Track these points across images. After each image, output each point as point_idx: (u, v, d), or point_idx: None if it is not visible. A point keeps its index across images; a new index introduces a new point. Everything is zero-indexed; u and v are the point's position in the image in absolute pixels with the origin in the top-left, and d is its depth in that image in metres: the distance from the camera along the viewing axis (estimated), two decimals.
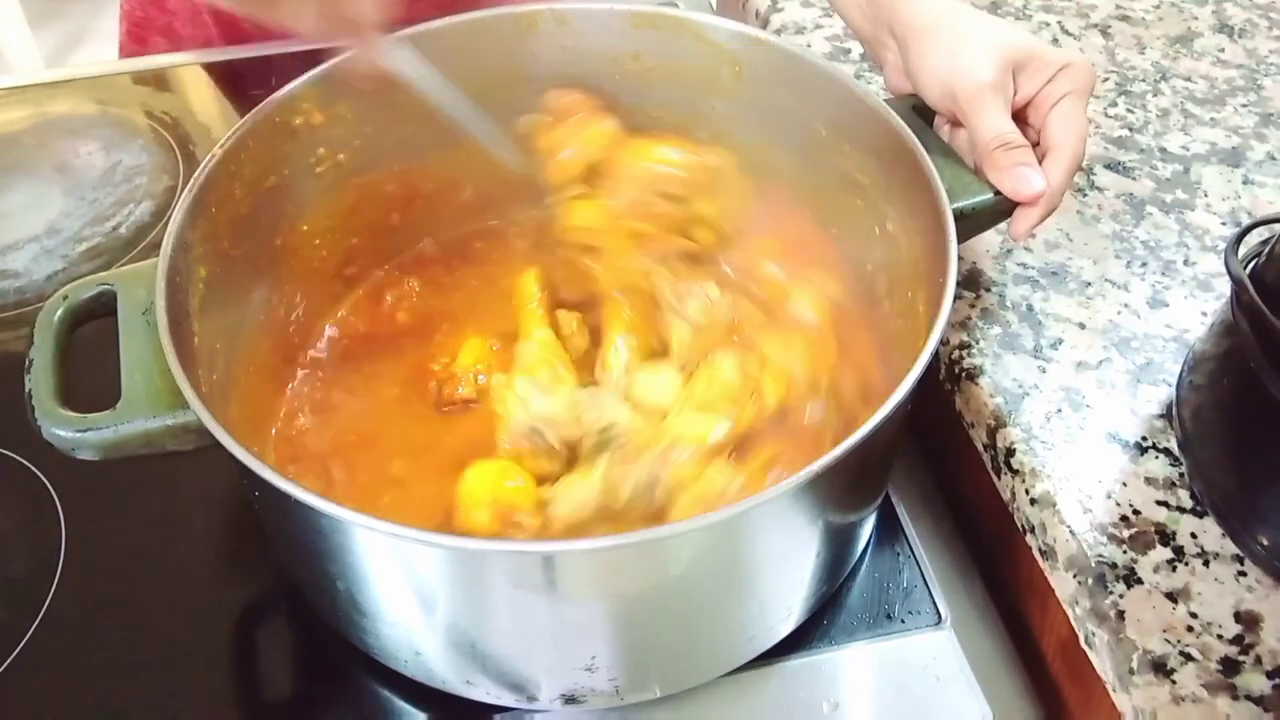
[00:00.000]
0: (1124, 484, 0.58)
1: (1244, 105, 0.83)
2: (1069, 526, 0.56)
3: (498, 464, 0.56)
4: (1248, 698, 0.49)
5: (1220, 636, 0.51)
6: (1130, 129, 0.81)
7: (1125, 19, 0.92)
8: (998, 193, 0.59)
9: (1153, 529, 0.56)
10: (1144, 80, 0.85)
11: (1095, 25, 0.91)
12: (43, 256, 0.79)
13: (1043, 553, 0.57)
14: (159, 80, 0.95)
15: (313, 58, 0.62)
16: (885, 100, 0.60)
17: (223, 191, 0.58)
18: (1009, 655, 0.59)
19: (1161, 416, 0.61)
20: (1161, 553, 0.55)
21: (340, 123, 0.63)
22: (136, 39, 0.99)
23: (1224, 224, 0.73)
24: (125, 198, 0.84)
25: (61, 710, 0.56)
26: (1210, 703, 0.49)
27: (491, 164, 0.73)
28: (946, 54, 0.61)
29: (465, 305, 0.70)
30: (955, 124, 0.62)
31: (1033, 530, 0.58)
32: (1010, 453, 0.60)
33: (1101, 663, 0.53)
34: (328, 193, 0.65)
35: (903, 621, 0.59)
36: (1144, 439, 0.60)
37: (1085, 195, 0.75)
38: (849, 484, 0.52)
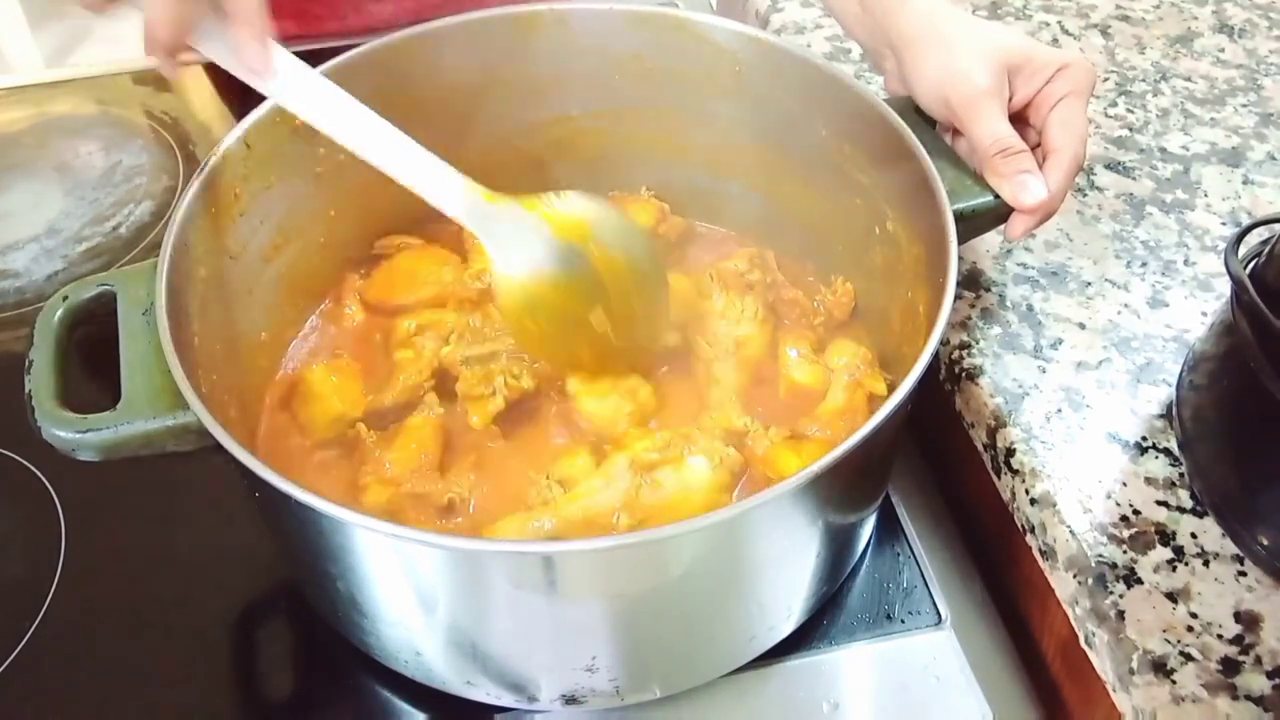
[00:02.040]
0: (1124, 484, 0.58)
1: (1244, 105, 0.83)
2: (1069, 526, 0.56)
3: None
4: (1248, 698, 0.49)
5: (1220, 636, 0.51)
6: (1130, 129, 0.81)
7: (1125, 19, 0.92)
8: (998, 196, 0.59)
9: (1153, 529, 0.56)
10: (1144, 80, 0.85)
11: (1095, 25, 0.91)
12: (43, 256, 0.79)
13: (1043, 553, 0.57)
14: (159, 80, 0.95)
15: (313, 58, 0.62)
16: (885, 100, 0.60)
17: (223, 191, 0.58)
18: (1009, 655, 0.59)
19: (1161, 416, 0.61)
20: (1161, 553, 0.55)
21: None
22: None
23: (1224, 224, 0.73)
24: (125, 198, 0.84)
25: (61, 710, 0.56)
26: (1210, 703, 0.49)
27: (493, 165, 0.73)
28: (940, 62, 0.60)
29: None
30: (956, 132, 0.62)
31: (1033, 530, 0.58)
32: (1010, 453, 0.60)
33: (1101, 663, 0.53)
34: (328, 193, 0.65)
35: (903, 622, 0.59)
36: (1144, 439, 0.60)
37: (1085, 195, 0.75)
38: (849, 484, 0.52)
